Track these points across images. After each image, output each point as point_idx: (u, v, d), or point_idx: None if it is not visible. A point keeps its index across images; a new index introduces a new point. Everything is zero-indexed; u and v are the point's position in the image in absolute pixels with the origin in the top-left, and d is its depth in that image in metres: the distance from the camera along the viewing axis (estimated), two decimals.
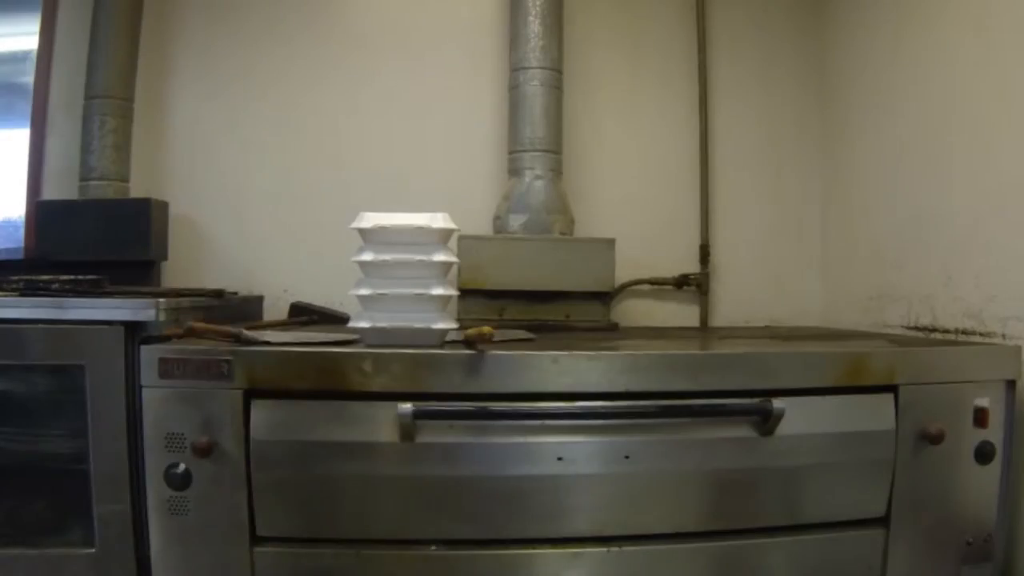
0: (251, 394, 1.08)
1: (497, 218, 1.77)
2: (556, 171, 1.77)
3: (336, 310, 1.67)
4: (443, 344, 1.17)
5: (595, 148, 1.92)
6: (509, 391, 1.08)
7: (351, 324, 1.19)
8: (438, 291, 1.17)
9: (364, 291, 1.17)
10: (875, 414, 1.15)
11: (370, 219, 1.17)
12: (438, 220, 1.18)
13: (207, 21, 1.88)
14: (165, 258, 1.75)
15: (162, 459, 1.08)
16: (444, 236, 1.18)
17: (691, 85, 1.95)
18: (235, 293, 1.70)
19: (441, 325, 1.17)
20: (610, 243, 1.70)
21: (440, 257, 1.17)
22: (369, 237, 1.18)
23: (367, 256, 1.17)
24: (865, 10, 1.79)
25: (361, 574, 1.09)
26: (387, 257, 1.16)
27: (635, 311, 1.91)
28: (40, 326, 1.20)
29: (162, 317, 1.22)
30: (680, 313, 1.94)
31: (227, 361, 1.07)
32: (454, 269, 1.31)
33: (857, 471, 1.15)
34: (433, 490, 1.09)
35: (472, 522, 1.09)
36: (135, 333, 1.20)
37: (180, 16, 1.88)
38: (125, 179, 1.76)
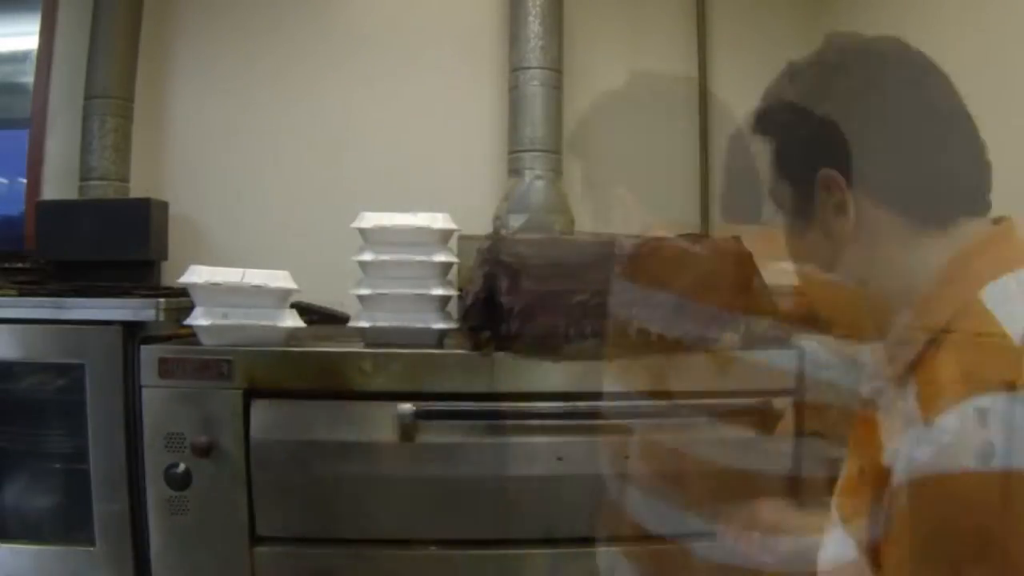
0: (251, 394, 1.08)
1: (497, 218, 1.77)
2: (556, 171, 1.77)
3: (337, 310, 1.67)
4: (442, 344, 1.17)
5: (595, 148, 1.92)
6: (509, 391, 1.08)
7: (351, 324, 1.20)
8: (438, 291, 1.17)
9: (364, 291, 1.18)
10: None
11: (370, 219, 1.18)
12: (438, 220, 1.18)
13: (207, 21, 1.88)
14: (165, 258, 1.75)
15: (162, 459, 1.08)
16: (444, 236, 1.19)
17: (691, 85, 1.94)
18: None
19: (440, 325, 1.17)
20: (609, 243, 1.70)
21: (440, 257, 1.17)
22: (369, 237, 1.18)
23: (367, 256, 1.17)
24: (866, 11, 1.79)
25: (361, 574, 1.09)
26: (387, 257, 1.17)
27: None
28: (40, 326, 1.20)
29: (162, 317, 1.22)
30: None
31: (227, 361, 1.08)
32: (454, 269, 1.32)
33: None
34: (433, 490, 1.09)
35: (472, 522, 1.09)
36: (135, 333, 1.20)
37: (180, 16, 1.88)
38: (125, 179, 1.76)
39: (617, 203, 1.31)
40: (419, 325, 1.16)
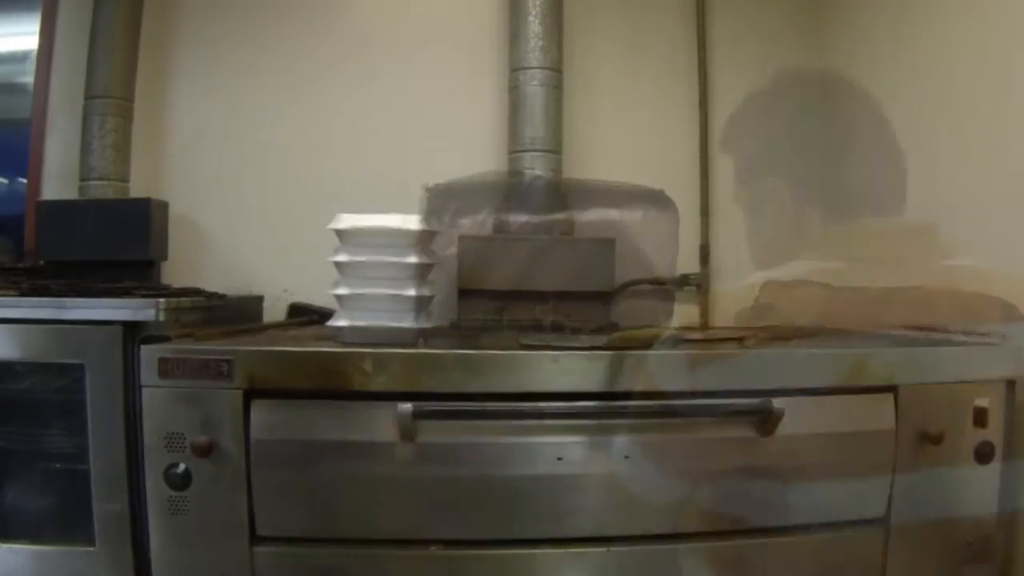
0: (251, 394, 1.08)
1: (497, 218, 1.77)
2: (556, 171, 1.77)
3: (335, 310, 1.67)
4: (422, 343, 1.18)
5: (595, 148, 1.92)
6: (509, 391, 1.08)
7: (329, 323, 1.21)
8: (412, 292, 1.17)
9: (341, 291, 1.19)
10: (875, 414, 1.15)
11: (346, 220, 1.19)
12: (411, 222, 1.18)
13: (207, 21, 1.88)
14: (165, 258, 1.75)
15: (162, 459, 1.07)
16: (419, 238, 1.19)
17: (691, 85, 1.94)
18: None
19: (415, 325, 1.18)
20: (610, 243, 1.70)
21: (413, 259, 1.18)
22: (346, 238, 1.19)
23: (342, 257, 1.18)
24: (865, 10, 1.79)
25: (361, 574, 1.09)
26: (361, 259, 1.17)
27: (635, 311, 1.91)
28: (40, 326, 1.20)
29: (162, 317, 1.22)
30: (680, 313, 1.94)
31: (227, 361, 1.07)
32: (440, 270, 1.32)
33: (857, 471, 1.15)
34: (433, 490, 1.09)
35: (472, 522, 1.09)
36: (135, 333, 1.20)
37: (180, 16, 1.88)
38: (125, 179, 1.76)
39: (772, 194, 1.36)
40: (395, 325, 1.17)
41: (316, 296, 1.75)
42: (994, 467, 1.18)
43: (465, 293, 1.65)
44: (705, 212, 1.93)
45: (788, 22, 1.99)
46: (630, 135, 1.94)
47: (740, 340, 1.20)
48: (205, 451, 1.06)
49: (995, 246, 1.34)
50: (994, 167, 1.35)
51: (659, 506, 1.11)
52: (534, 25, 1.75)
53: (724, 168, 1.96)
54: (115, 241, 1.64)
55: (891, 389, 1.15)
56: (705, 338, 1.33)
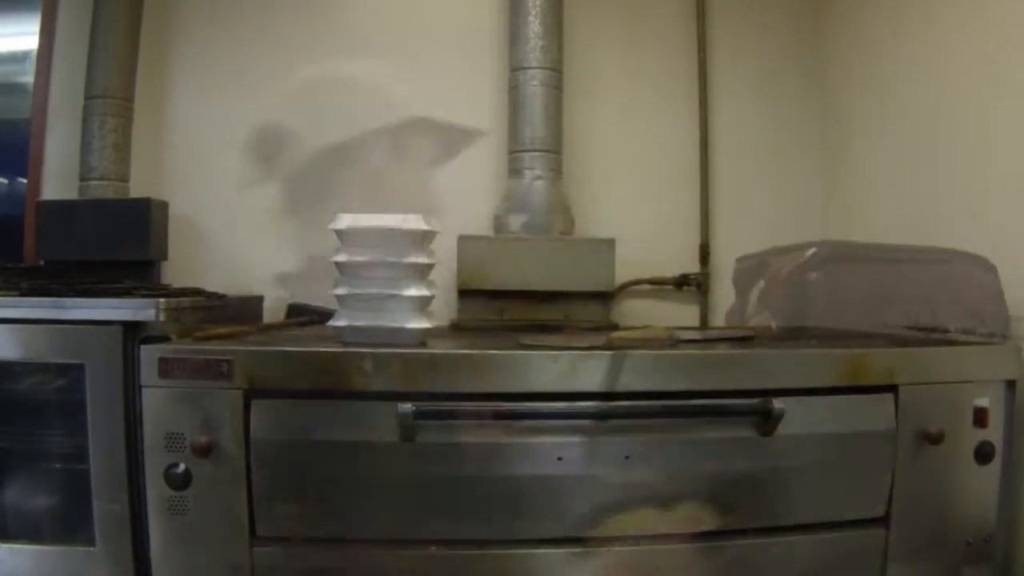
0: (251, 394, 1.08)
1: (497, 218, 1.77)
2: (556, 171, 1.77)
3: (334, 310, 1.67)
4: (421, 343, 1.17)
5: (595, 148, 1.92)
6: (509, 391, 1.08)
7: (330, 323, 1.21)
8: (411, 292, 1.17)
9: (341, 291, 1.18)
10: (875, 414, 1.14)
11: (345, 220, 1.18)
12: (410, 222, 1.18)
13: (207, 21, 1.88)
14: (165, 258, 1.75)
15: (162, 459, 1.07)
16: (418, 238, 1.19)
17: (691, 85, 1.94)
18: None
19: (414, 325, 1.17)
20: (610, 243, 1.70)
21: (412, 259, 1.17)
22: (346, 238, 1.19)
23: (342, 257, 1.18)
24: (865, 9, 1.79)
25: (361, 574, 1.09)
26: (361, 258, 1.17)
27: (635, 311, 1.91)
28: (40, 326, 1.20)
29: (162, 317, 1.22)
30: (680, 313, 1.94)
31: (227, 361, 1.07)
32: (441, 270, 1.32)
33: (857, 471, 1.15)
34: (433, 490, 1.09)
35: (472, 522, 1.09)
36: (135, 333, 1.20)
37: (180, 16, 1.88)
38: (125, 179, 1.76)
39: None
40: (394, 325, 1.17)
41: (316, 296, 1.75)
42: (994, 467, 1.18)
43: (465, 293, 1.66)
44: (705, 212, 1.94)
45: (788, 22, 1.99)
46: (630, 135, 1.94)
47: (740, 340, 1.20)
48: (205, 451, 1.06)
49: (993, 241, 1.34)
50: (993, 165, 1.35)
51: (659, 506, 1.11)
52: (534, 25, 1.75)
53: (724, 168, 1.96)
54: (115, 241, 1.64)
55: (891, 389, 1.15)
56: (705, 338, 1.33)
